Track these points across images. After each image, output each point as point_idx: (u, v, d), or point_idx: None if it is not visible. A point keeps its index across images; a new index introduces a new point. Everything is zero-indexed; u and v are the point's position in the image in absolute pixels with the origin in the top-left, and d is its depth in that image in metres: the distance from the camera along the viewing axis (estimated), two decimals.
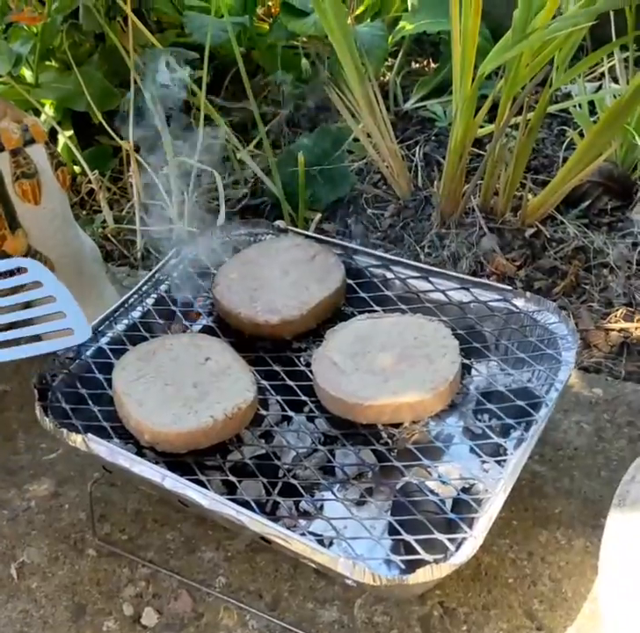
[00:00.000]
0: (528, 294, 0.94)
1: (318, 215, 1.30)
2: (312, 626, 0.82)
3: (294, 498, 0.82)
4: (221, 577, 0.86)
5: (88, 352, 0.92)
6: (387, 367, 0.86)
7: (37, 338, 0.83)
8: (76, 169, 1.46)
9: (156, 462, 0.81)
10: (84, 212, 1.40)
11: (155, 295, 1.00)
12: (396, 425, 0.86)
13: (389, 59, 1.66)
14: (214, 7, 1.40)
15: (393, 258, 1.01)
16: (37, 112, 1.44)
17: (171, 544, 0.89)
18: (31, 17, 1.19)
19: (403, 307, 0.96)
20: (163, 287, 1.01)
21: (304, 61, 1.46)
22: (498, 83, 1.19)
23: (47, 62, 1.43)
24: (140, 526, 0.91)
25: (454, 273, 0.98)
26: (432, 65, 1.74)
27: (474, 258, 1.27)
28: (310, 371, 0.90)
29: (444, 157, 1.45)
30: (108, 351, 0.93)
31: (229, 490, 0.82)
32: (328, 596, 0.84)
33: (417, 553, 0.72)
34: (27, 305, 0.82)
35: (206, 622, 0.82)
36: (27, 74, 1.41)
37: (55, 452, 1.00)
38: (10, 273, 0.83)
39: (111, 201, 1.41)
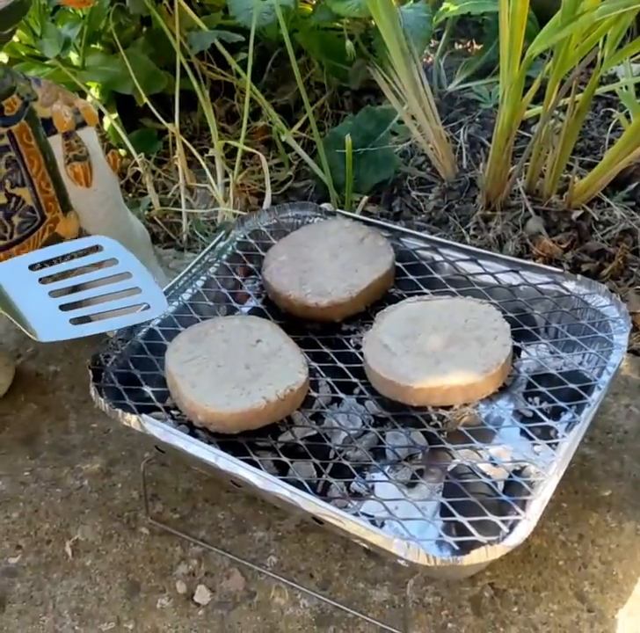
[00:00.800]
0: (579, 276, 0.93)
1: (365, 198, 1.29)
2: (363, 605, 0.82)
3: (346, 479, 0.83)
4: (272, 556, 0.87)
5: (139, 334, 0.93)
6: (438, 349, 0.86)
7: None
8: (122, 151, 1.47)
9: (209, 443, 0.82)
10: (130, 195, 1.41)
11: (204, 277, 1.00)
12: (447, 407, 0.86)
13: (433, 40, 1.65)
14: None
15: (442, 240, 1.01)
16: (83, 95, 1.45)
17: (222, 523, 0.90)
18: (79, 0, 1.20)
19: (453, 289, 0.96)
20: (212, 270, 1.01)
21: (348, 43, 1.46)
22: (546, 64, 1.18)
23: (94, 45, 1.43)
24: (191, 505, 0.92)
25: (504, 256, 0.98)
26: (476, 46, 1.72)
27: (520, 241, 1.27)
28: (360, 353, 0.90)
29: (489, 139, 1.45)
30: (159, 332, 0.93)
31: (281, 470, 0.83)
32: (378, 576, 0.85)
33: (470, 534, 0.72)
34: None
35: (258, 601, 0.83)
36: (73, 57, 1.42)
37: (106, 431, 1.01)
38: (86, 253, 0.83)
39: (156, 184, 1.41)
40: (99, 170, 1.00)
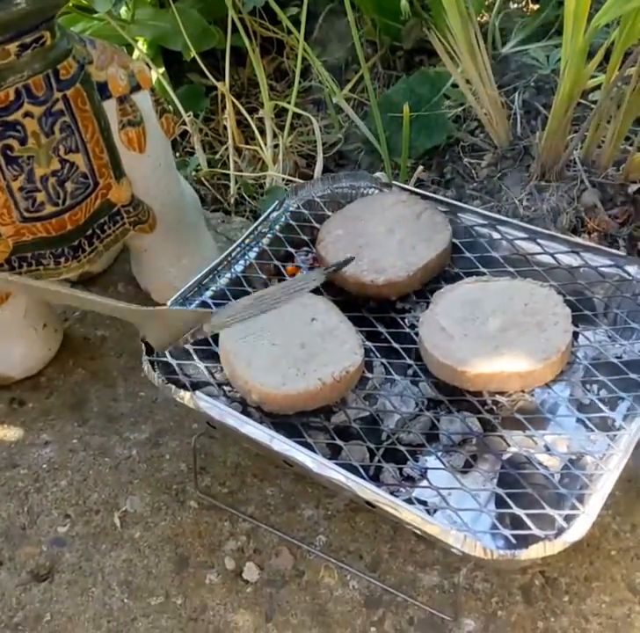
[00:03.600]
0: None
1: (420, 168, 1.27)
2: (413, 589, 0.82)
3: (399, 463, 0.82)
4: (321, 535, 0.86)
5: (191, 307, 0.92)
6: (496, 334, 0.84)
7: None
8: (169, 107, 1.44)
9: (261, 422, 0.81)
10: (177, 154, 1.39)
11: (257, 249, 0.99)
12: (502, 393, 0.84)
13: None
14: None
15: (500, 217, 0.98)
16: (129, 49, 1.43)
17: (271, 500, 0.90)
18: None
19: (511, 269, 0.94)
20: (265, 240, 1.00)
21: (403, 1, 1.42)
22: (612, 33, 1.14)
23: None
24: (240, 480, 0.92)
25: (564, 236, 0.96)
26: (532, 5, 1.67)
27: (574, 214, 1.24)
28: (415, 333, 0.89)
29: (544, 105, 1.41)
30: (212, 305, 0.92)
31: (333, 451, 0.82)
32: (428, 560, 0.84)
33: (527, 527, 0.71)
34: None
35: (307, 580, 0.83)
36: (122, 10, 1.39)
37: (154, 400, 1.00)
38: None
39: (203, 143, 1.39)
40: (153, 135, 0.98)
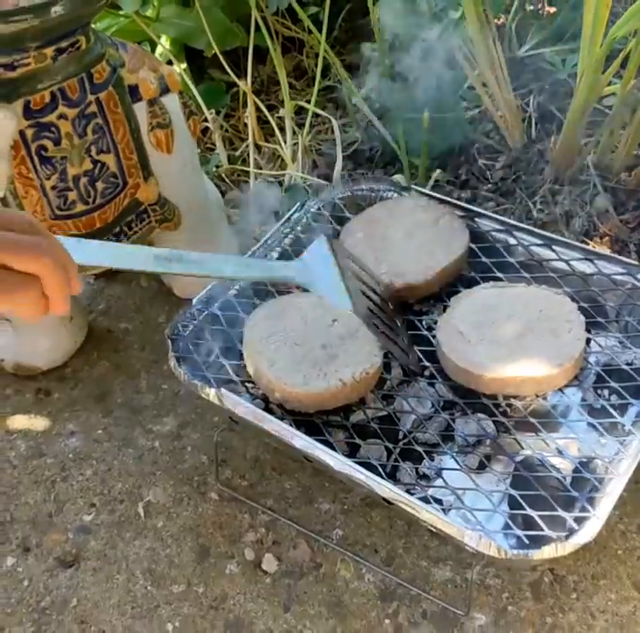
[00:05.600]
0: None
1: (437, 171, 1.29)
2: (426, 584, 0.85)
3: (415, 462, 0.85)
4: (338, 529, 0.90)
5: (216, 305, 0.95)
6: (512, 339, 0.87)
7: None
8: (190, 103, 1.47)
9: (282, 418, 0.84)
10: (199, 150, 1.41)
11: (279, 248, 1.01)
12: (516, 396, 0.87)
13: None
14: None
15: (516, 223, 1.01)
16: (153, 45, 1.45)
17: (290, 493, 0.93)
18: None
19: (526, 274, 0.97)
20: (287, 241, 1.02)
21: (424, 3, 1.44)
22: (629, 43, 1.17)
23: None
24: (259, 473, 0.95)
25: (578, 244, 0.98)
26: (548, 8, 1.69)
27: (587, 218, 1.27)
28: (432, 336, 0.92)
29: (559, 108, 1.43)
30: (236, 304, 0.95)
31: (352, 449, 0.86)
32: (441, 555, 0.87)
33: (540, 528, 0.75)
34: None
35: (324, 572, 0.86)
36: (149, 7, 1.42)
37: (176, 393, 1.04)
38: None
39: (224, 139, 1.42)
40: (180, 137, 1.01)
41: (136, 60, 0.97)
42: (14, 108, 0.87)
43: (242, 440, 0.97)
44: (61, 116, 0.90)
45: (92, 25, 0.92)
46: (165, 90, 0.99)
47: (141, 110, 0.97)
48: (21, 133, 0.88)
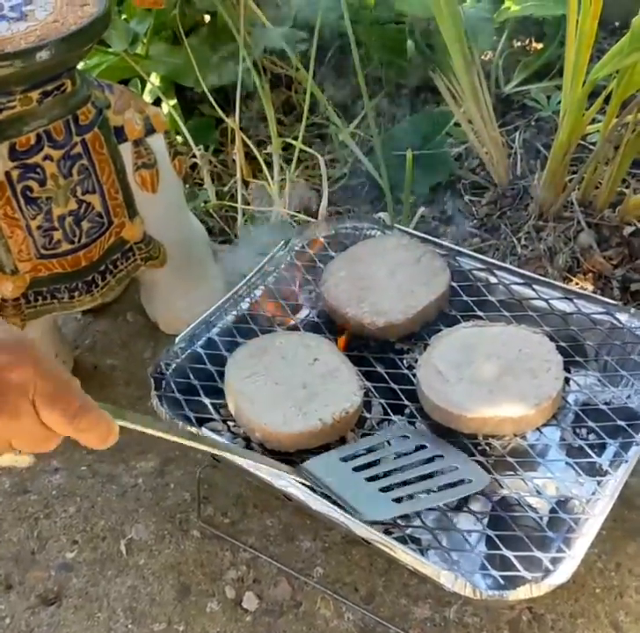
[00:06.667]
0: (633, 309, 0.95)
1: (421, 209, 1.31)
2: (405, 622, 0.86)
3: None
4: (318, 567, 0.90)
5: (199, 343, 0.96)
6: (491, 379, 0.88)
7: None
8: (179, 139, 1.48)
9: None
10: (187, 186, 1.43)
11: (262, 287, 1.02)
12: (495, 436, 0.88)
13: None
14: None
15: (497, 263, 1.02)
16: (142, 82, 1.47)
17: (271, 531, 0.93)
18: (153, 1, 1.21)
19: (506, 313, 0.98)
20: (270, 279, 1.03)
21: (409, 42, 1.46)
22: (610, 84, 1.18)
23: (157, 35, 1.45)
24: (241, 510, 0.95)
25: (558, 283, 1.00)
26: (535, 44, 1.72)
27: (571, 254, 1.28)
28: (413, 375, 0.93)
29: (545, 145, 1.45)
30: (219, 342, 0.96)
31: None
32: (421, 593, 0.88)
33: (516, 569, 0.75)
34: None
35: (304, 611, 0.87)
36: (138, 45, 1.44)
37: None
38: None
39: (212, 175, 1.43)
40: (166, 177, 1.02)
41: (122, 101, 0.98)
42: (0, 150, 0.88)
43: (224, 477, 0.98)
44: (46, 157, 0.91)
45: (78, 68, 0.93)
46: (151, 130, 1.00)
47: (126, 150, 0.98)
48: (6, 174, 0.89)
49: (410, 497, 0.83)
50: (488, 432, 0.87)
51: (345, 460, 0.85)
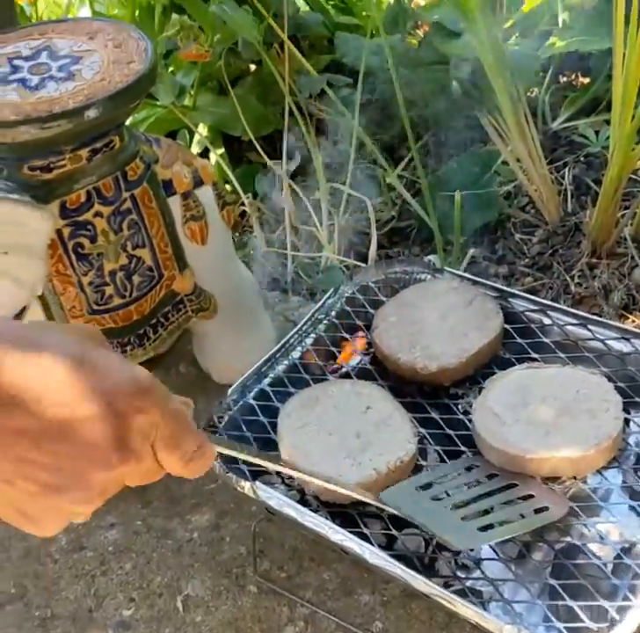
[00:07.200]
0: None
1: (471, 250, 1.30)
2: None
3: (453, 552, 0.84)
4: (377, 621, 0.88)
5: (251, 395, 0.95)
6: (548, 420, 0.86)
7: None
8: (228, 187, 1.50)
9: (317, 510, 0.84)
10: (237, 234, 1.44)
11: (314, 335, 1.02)
12: (555, 479, 0.86)
13: None
14: (368, 28, 1.41)
15: (550, 303, 1.01)
16: (190, 132, 1.49)
17: (328, 584, 0.92)
18: (198, 54, 1.23)
19: (562, 355, 0.96)
20: (321, 327, 1.03)
21: (454, 84, 1.46)
22: None
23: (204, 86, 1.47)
24: (297, 564, 0.94)
25: (614, 323, 0.98)
26: (582, 78, 1.70)
27: (626, 291, 1.26)
28: (468, 420, 0.91)
29: (595, 180, 1.43)
30: (271, 393, 0.96)
31: (388, 540, 0.84)
32: None
33: (580, 620, 0.73)
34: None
35: None
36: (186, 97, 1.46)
37: (214, 482, 1.03)
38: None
39: (261, 222, 1.44)
40: (215, 228, 1.03)
41: (170, 155, 0.99)
42: (51, 209, 0.89)
43: (280, 529, 0.97)
44: (96, 214, 0.92)
45: (126, 123, 0.94)
46: (199, 182, 1.01)
47: (175, 203, 0.99)
48: (58, 232, 0.90)
49: (493, 525, 0.81)
50: (547, 474, 0.85)
51: (421, 488, 0.84)
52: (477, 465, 0.87)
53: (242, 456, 0.66)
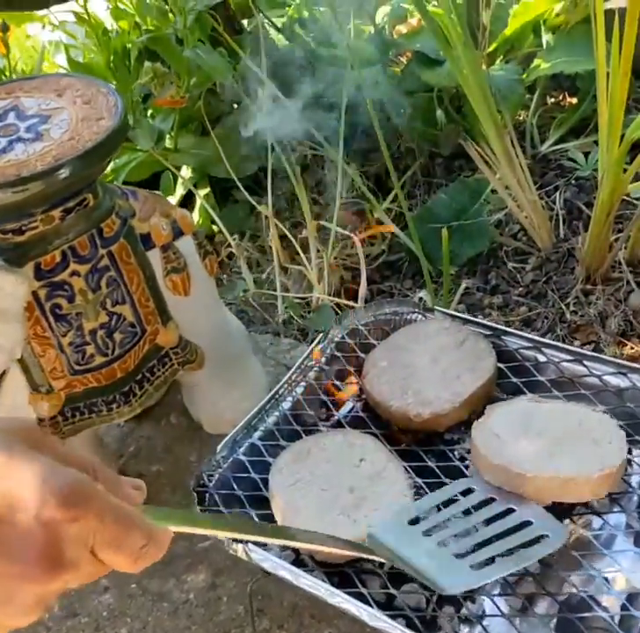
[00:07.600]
0: None
1: (463, 286, 1.27)
2: None
3: (454, 607, 0.81)
4: None
5: (241, 450, 0.93)
6: (552, 442, 0.84)
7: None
8: (214, 228, 1.48)
9: (314, 570, 0.81)
10: (225, 275, 1.42)
11: (304, 384, 1.00)
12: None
13: None
14: (350, 59, 1.39)
15: (544, 340, 0.98)
16: (173, 175, 1.47)
17: None
18: (173, 101, 1.21)
19: (558, 393, 0.94)
20: (311, 374, 1.01)
21: (439, 112, 1.44)
22: None
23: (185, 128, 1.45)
24: (298, 622, 0.91)
25: (610, 358, 0.95)
26: (569, 99, 1.68)
27: (623, 317, 1.23)
28: (465, 466, 0.89)
29: (586, 204, 1.41)
30: (261, 447, 0.93)
31: (387, 598, 0.82)
32: None
33: None
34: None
35: None
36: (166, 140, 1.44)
37: (209, 540, 1.01)
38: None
39: (249, 262, 1.42)
40: (197, 278, 1.00)
41: (147, 207, 0.97)
42: (25, 271, 0.87)
43: (278, 586, 0.94)
44: (73, 273, 0.90)
45: (100, 180, 0.92)
46: (179, 233, 0.98)
47: (154, 256, 0.96)
48: (34, 294, 0.88)
49: (487, 562, 0.78)
50: (547, 499, 0.81)
51: (413, 523, 0.81)
52: (475, 488, 0.84)
53: (225, 534, 0.64)
